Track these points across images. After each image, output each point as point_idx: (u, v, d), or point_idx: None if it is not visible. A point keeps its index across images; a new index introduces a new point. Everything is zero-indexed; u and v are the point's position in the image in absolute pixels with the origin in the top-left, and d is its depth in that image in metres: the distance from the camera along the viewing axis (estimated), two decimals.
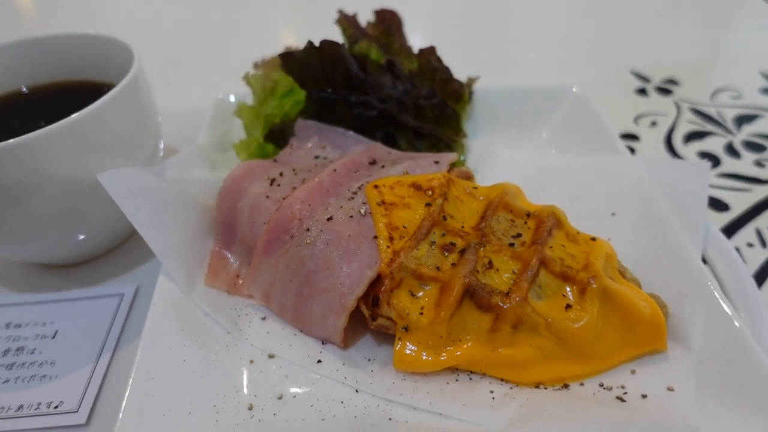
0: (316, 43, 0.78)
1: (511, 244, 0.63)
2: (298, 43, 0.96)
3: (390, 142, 0.81)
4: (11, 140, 0.58)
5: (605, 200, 0.76)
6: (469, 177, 0.74)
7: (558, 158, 0.86)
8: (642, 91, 1.14)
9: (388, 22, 0.96)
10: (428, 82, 0.86)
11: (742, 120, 1.03)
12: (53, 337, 0.68)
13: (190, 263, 0.66)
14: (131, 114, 0.68)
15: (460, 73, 0.91)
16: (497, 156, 0.87)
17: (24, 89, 0.79)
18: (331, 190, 0.67)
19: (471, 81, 0.94)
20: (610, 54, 1.30)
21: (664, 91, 1.13)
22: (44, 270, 0.77)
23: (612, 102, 1.09)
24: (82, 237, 0.71)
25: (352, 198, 0.65)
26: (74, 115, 0.61)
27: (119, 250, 0.79)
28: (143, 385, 0.54)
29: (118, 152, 0.67)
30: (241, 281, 0.68)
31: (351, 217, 0.63)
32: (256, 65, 0.93)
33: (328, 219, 0.63)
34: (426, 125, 0.84)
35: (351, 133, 0.80)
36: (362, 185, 0.67)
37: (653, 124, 1.04)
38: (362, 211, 0.63)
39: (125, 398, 0.52)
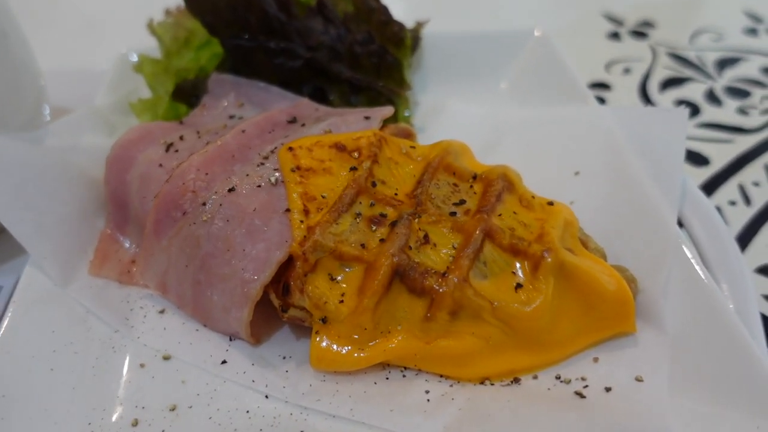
0: None
1: (453, 213, 0.52)
2: None
3: (320, 96, 0.69)
4: None
5: (568, 158, 0.65)
6: (408, 135, 0.63)
7: (518, 112, 0.76)
8: (614, 35, 1.02)
9: None
10: (365, 25, 0.74)
11: (724, 63, 0.93)
12: None
13: (69, 249, 0.55)
14: None
15: (407, 19, 0.79)
16: (448, 110, 0.76)
17: None
18: (237, 154, 0.55)
19: (419, 26, 0.82)
20: None
21: (639, 34, 1.02)
22: None
23: (581, 48, 0.98)
24: None
25: (262, 164, 0.54)
26: None
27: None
28: None
29: None
30: (135, 268, 0.57)
31: (259, 186, 0.52)
32: (167, 12, 0.80)
33: (230, 190, 0.51)
34: (364, 77, 0.72)
35: (274, 88, 0.68)
36: (275, 148, 0.56)
37: (626, 71, 0.93)
38: (273, 180, 0.52)
39: None
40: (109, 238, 0.58)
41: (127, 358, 0.50)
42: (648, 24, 1.04)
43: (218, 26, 0.67)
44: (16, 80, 0.60)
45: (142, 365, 0.50)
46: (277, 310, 0.49)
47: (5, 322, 0.48)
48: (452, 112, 0.76)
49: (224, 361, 0.50)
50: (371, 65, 0.72)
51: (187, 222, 0.51)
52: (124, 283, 0.56)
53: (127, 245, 0.58)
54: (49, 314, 0.50)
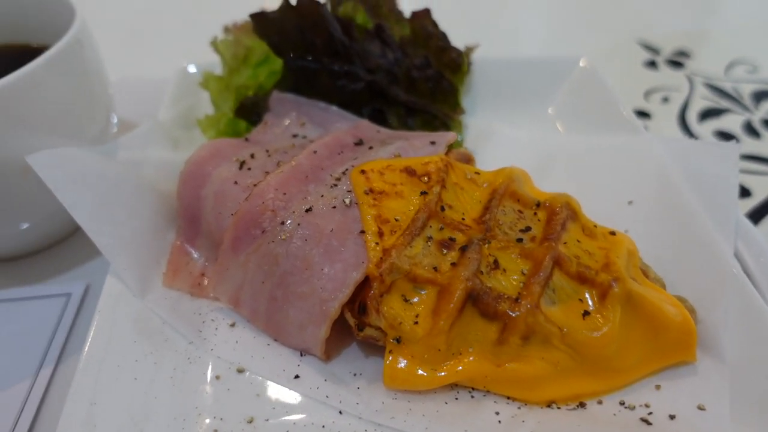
0: (293, 2, 0.68)
1: (520, 240, 0.54)
2: (274, 4, 0.85)
3: (378, 118, 0.71)
4: None
5: (621, 186, 0.67)
6: (469, 160, 0.65)
7: (565, 137, 0.78)
8: (651, 64, 1.05)
9: None
10: (422, 50, 0.76)
11: (760, 96, 0.95)
12: None
13: (145, 261, 0.57)
14: (72, 82, 0.57)
15: (455, 41, 0.81)
16: (498, 134, 0.78)
17: None
18: (310, 175, 0.57)
19: (469, 50, 0.84)
20: (615, 22, 1.21)
21: (675, 63, 1.04)
22: None
23: (619, 75, 1.01)
24: (24, 226, 0.61)
25: (335, 185, 0.56)
26: None
27: (67, 241, 0.69)
28: (82, 411, 0.45)
29: (56, 128, 0.57)
30: (206, 281, 0.58)
31: (334, 207, 0.54)
32: (226, 29, 0.82)
33: (307, 210, 0.53)
34: (419, 100, 0.74)
35: (334, 108, 0.70)
36: (347, 170, 0.58)
37: (665, 100, 0.95)
38: (347, 201, 0.54)
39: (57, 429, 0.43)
40: (180, 251, 0.60)
41: (203, 369, 0.52)
42: (683, 53, 1.07)
43: (284, 47, 0.69)
44: (91, 91, 0.62)
45: (217, 377, 0.51)
46: (353, 328, 0.51)
47: (91, 333, 0.49)
48: (501, 136, 0.78)
49: (297, 376, 0.52)
50: (427, 89, 0.74)
51: (266, 240, 0.53)
52: (195, 295, 0.58)
53: (197, 258, 0.60)
54: (130, 325, 0.52)
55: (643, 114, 0.92)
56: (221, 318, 0.56)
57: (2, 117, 0.52)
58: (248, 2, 1.24)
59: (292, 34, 0.68)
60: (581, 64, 0.84)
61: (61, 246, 0.68)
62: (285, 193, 0.54)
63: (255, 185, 0.57)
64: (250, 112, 0.71)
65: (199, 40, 0.83)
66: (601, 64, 0.85)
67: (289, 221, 0.53)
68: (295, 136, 0.67)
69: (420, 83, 0.74)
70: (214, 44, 0.76)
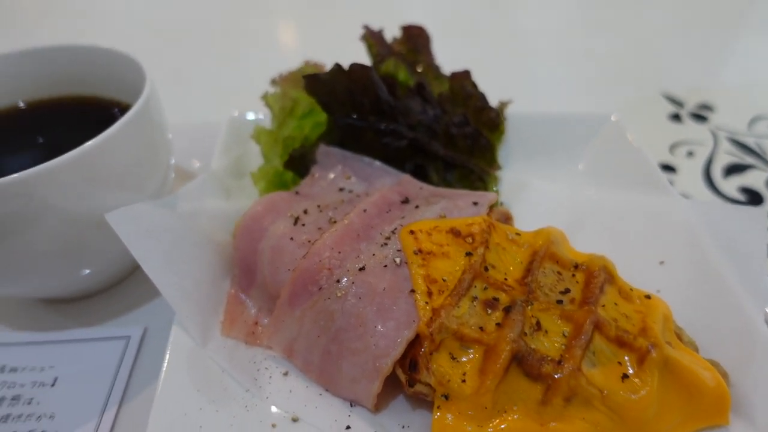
0: (339, 61, 0.72)
1: (560, 302, 0.57)
2: (317, 55, 0.90)
3: (420, 173, 0.75)
4: (14, 175, 0.52)
5: (652, 246, 0.70)
6: (508, 218, 0.69)
7: (596, 194, 0.81)
8: (676, 117, 1.08)
9: (416, 39, 0.89)
10: (460, 108, 0.80)
11: None
12: (52, 384, 0.62)
13: (205, 310, 0.61)
14: (143, 141, 0.62)
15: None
16: (530, 189, 0.82)
17: (21, 104, 0.73)
18: (361, 233, 0.61)
19: (503, 105, 0.88)
20: (639, 75, 1.25)
21: (699, 117, 1.08)
22: (41, 305, 0.71)
23: (645, 128, 1.04)
24: (86, 272, 0.65)
25: (386, 244, 0.60)
26: (81, 148, 0.55)
27: (123, 284, 0.73)
28: None
29: (125, 184, 0.61)
30: (260, 330, 0.62)
31: (385, 266, 0.57)
32: (273, 82, 0.87)
33: (360, 269, 0.57)
34: (457, 155, 0.78)
35: (378, 163, 0.74)
36: (395, 229, 0.61)
37: (690, 154, 0.98)
38: (397, 261, 0.58)
39: None
40: (235, 300, 0.64)
41: (260, 417, 0.55)
42: (707, 107, 1.10)
43: (334, 106, 0.73)
44: (157, 146, 0.66)
45: (273, 425, 0.54)
46: (404, 384, 0.54)
47: (161, 384, 0.53)
48: (534, 190, 0.82)
49: (348, 427, 0.55)
50: (465, 145, 0.78)
51: (322, 297, 0.56)
52: (250, 343, 0.61)
53: (251, 307, 0.64)
54: (194, 373, 0.55)
55: (668, 168, 0.95)
56: (274, 366, 0.60)
57: (84, 176, 0.56)
58: (286, 52, 1.30)
59: (342, 95, 0.73)
60: (612, 119, 0.87)
61: (116, 288, 0.72)
62: (340, 252, 0.58)
63: (309, 241, 0.61)
64: (298, 164, 0.75)
65: (240, 87, 0.87)
66: (627, 116, 0.88)
67: (344, 279, 0.56)
68: (341, 189, 0.71)
69: (459, 140, 0.78)
70: (265, 98, 0.81)
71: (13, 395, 0.61)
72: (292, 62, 0.87)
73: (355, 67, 0.71)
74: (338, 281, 0.56)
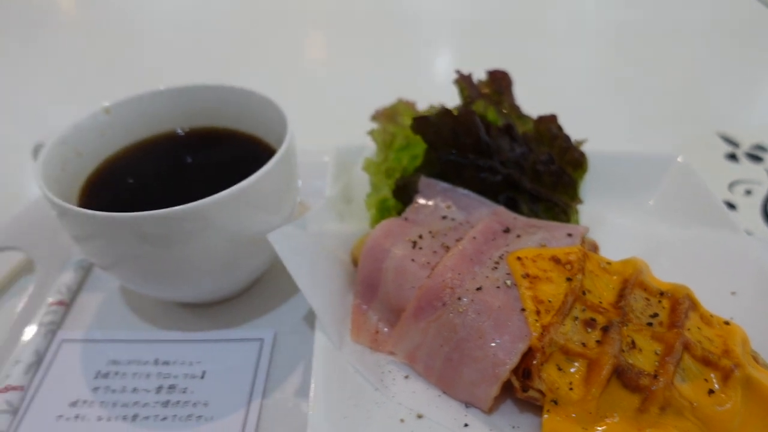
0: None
1: (650, 324, 0.66)
2: (404, 92, 1.00)
3: (511, 205, 0.85)
4: (196, 203, 0.63)
5: (723, 278, 0.78)
6: (595, 248, 0.78)
7: (667, 229, 0.89)
8: (732, 157, 1.16)
9: (500, 82, 1.00)
10: (545, 147, 0.89)
11: None
12: (202, 377, 0.72)
13: (338, 318, 0.70)
14: (286, 173, 0.72)
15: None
16: (606, 222, 0.90)
17: (179, 131, 0.85)
18: (474, 258, 0.70)
19: (578, 143, 0.97)
20: (694, 114, 1.33)
21: (754, 157, 1.16)
22: (180, 308, 0.82)
23: (704, 166, 1.12)
24: (233, 281, 0.76)
25: (496, 267, 0.69)
26: (247, 181, 0.65)
27: (248, 293, 0.83)
28: None
29: (272, 207, 0.72)
30: (381, 337, 0.72)
31: (498, 287, 0.67)
32: (374, 117, 0.98)
33: (478, 289, 0.66)
34: (543, 189, 0.87)
35: (474, 194, 0.84)
36: (502, 254, 0.71)
37: (748, 192, 1.06)
38: (508, 283, 0.67)
39: None
40: (359, 310, 0.74)
41: (389, 413, 0.64)
42: (761, 148, 1.18)
43: (438, 144, 0.84)
44: (292, 173, 0.77)
45: (402, 420, 0.64)
46: (517, 389, 0.63)
47: (313, 381, 0.62)
48: (609, 224, 0.90)
49: (466, 425, 0.64)
50: (550, 181, 0.87)
51: (446, 311, 0.66)
52: (374, 349, 0.71)
53: (371, 317, 0.73)
54: (335, 373, 0.65)
55: (729, 205, 1.03)
56: (396, 370, 0.69)
57: (246, 203, 0.66)
58: (370, 85, 1.41)
59: (447, 134, 0.83)
60: (678, 159, 0.96)
61: (243, 296, 0.83)
62: (459, 273, 0.68)
63: (428, 263, 0.70)
64: (402, 192, 0.85)
65: (339, 118, 0.98)
66: (686, 154, 0.96)
67: (464, 297, 0.66)
68: (444, 217, 0.81)
69: (545, 176, 0.87)
70: (373, 134, 0.92)
71: (169, 384, 0.71)
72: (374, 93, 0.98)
73: (463, 112, 0.81)
74: (459, 299, 0.66)
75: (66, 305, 0.82)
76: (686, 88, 1.47)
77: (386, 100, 0.95)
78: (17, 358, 0.73)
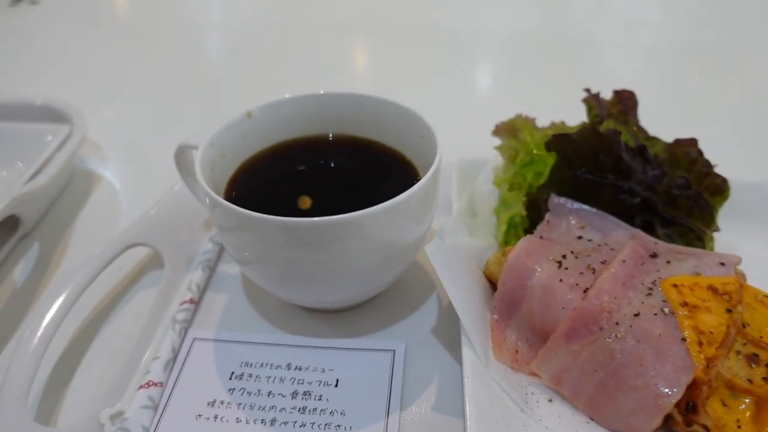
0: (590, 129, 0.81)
1: None
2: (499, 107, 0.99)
3: (647, 228, 0.82)
4: (351, 214, 0.63)
5: None
6: (744, 279, 0.74)
7: None
8: None
9: (626, 102, 0.97)
10: (680, 171, 0.87)
11: None
12: (336, 385, 0.72)
13: (482, 335, 0.69)
14: (433, 186, 0.72)
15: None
16: (743, 251, 0.86)
17: (330, 136, 0.86)
18: (626, 282, 0.68)
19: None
20: None
21: None
22: (305, 313, 0.82)
23: None
24: (367, 291, 0.75)
25: (650, 294, 0.67)
26: (405, 194, 0.65)
27: (375, 299, 0.83)
28: None
29: (418, 218, 0.71)
30: (520, 356, 0.70)
31: (655, 314, 0.64)
32: (496, 132, 0.97)
33: (635, 315, 0.64)
34: (677, 214, 0.84)
35: (608, 215, 0.82)
36: (654, 281, 0.68)
37: None
38: (665, 310, 0.64)
39: None
40: (498, 327, 0.72)
41: None
42: None
43: (575, 162, 0.82)
44: (437, 186, 0.76)
45: None
46: (678, 423, 0.60)
47: (468, 399, 0.61)
48: (748, 254, 0.86)
49: None
50: (686, 206, 0.84)
51: (602, 336, 0.64)
52: (514, 369, 0.69)
53: (510, 334, 0.72)
54: (484, 391, 0.64)
55: None
56: (539, 392, 0.67)
57: (397, 215, 0.66)
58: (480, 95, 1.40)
59: (586, 153, 0.81)
60: None
61: (371, 302, 0.82)
62: (615, 297, 0.66)
63: (577, 284, 0.69)
64: (534, 210, 0.84)
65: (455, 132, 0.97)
66: None
67: (622, 323, 0.63)
68: (579, 237, 0.79)
69: (680, 200, 0.84)
70: (500, 148, 0.91)
71: (304, 390, 0.71)
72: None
73: (609, 131, 0.79)
74: (617, 323, 0.64)
75: (195, 303, 0.83)
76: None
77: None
78: (155, 354, 0.75)
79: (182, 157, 0.84)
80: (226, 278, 0.88)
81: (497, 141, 0.97)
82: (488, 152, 0.96)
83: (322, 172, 0.84)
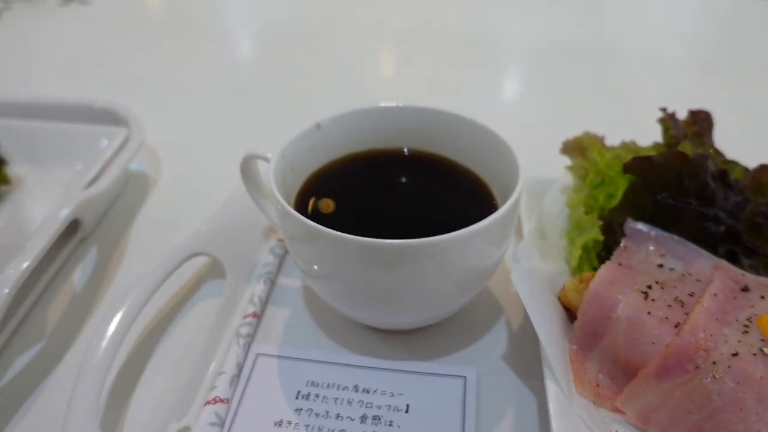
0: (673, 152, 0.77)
1: None
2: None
3: (730, 258, 0.78)
4: (433, 238, 0.60)
5: None
6: None
7: None
8: None
9: (701, 123, 0.94)
10: (765, 198, 0.82)
11: None
12: (406, 411, 0.69)
13: (563, 366, 0.66)
14: (514, 210, 0.69)
15: None
16: None
17: (406, 151, 0.84)
18: (720, 318, 0.65)
19: None
20: None
21: None
22: (370, 332, 0.79)
23: None
24: (437, 314, 0.73)
25: (746, 332, 0.63)
26: (490, 219, 0.63)
27: (442, 321, 0.80)
28: None
29: (498, 241, 0.69)
30: (601, 391, 0.67)
31: (754, 355, 0.61)
32: (564, 150, 0.94)
33: (733, 354, 0.61)
34: (760, 244, 0.80)
35: (689, 243, 0.78)
36: (750, 318, 0.65)
37: None
38: (765, 350, 0.61)
39: None
40: (577, 358, 0.69)
41: None
42: None
43: (657, 186, 0.78)
44: (516, 209, 0.73)
45: None
46: None
47: (555, 430, 0.58)
48: None
49: None
50: None
51: (698, 375, 0.60)
52: (596, 404, 0.66)
53: (591, 367, 0.69)
54: (567, 427, 0.61)
55: None
56: (623, 430, 0.64)
57: (482, 239, 0.64)
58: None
59: (668, 177, 0.77)
60: None
61: (435, 326, 0.80)
62: (711, 335, 0.62)
63: (667, 318, 0.65)
64: (610, 234, 0.80)
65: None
66: None
67: (720, 362, 0.60)
68: (660, 266, 0.75)
69: (765, 230, 0.80)
70: (572, 168, 0.88)
71: (373, 415, 0.69)
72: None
73: (697, 155, 0.76)
74: (714, 363, 0.60)
75: (258, 317, 0.81)
76: None
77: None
78: (220, 368, 0.73)
79: (248, 168, 0.83)
80: (286, 292, 0.87)
81: (543, 155, 0.93)
82: (536, 168, 0.90)
83: (393, 187, 0.82)
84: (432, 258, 0.62)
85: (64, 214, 0.83)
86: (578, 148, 0.95)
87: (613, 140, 0.94)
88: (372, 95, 1.49)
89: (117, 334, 0.71)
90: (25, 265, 0.73)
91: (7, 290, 0.69)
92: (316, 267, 0.69)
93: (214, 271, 0.90)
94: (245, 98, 1.46)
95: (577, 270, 0.81)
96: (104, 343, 0.69)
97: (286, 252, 0.92)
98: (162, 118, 1.34)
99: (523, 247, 0.77)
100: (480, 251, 0.65)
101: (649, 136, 0.95)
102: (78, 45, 1.74)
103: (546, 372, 0.64)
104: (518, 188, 0.67)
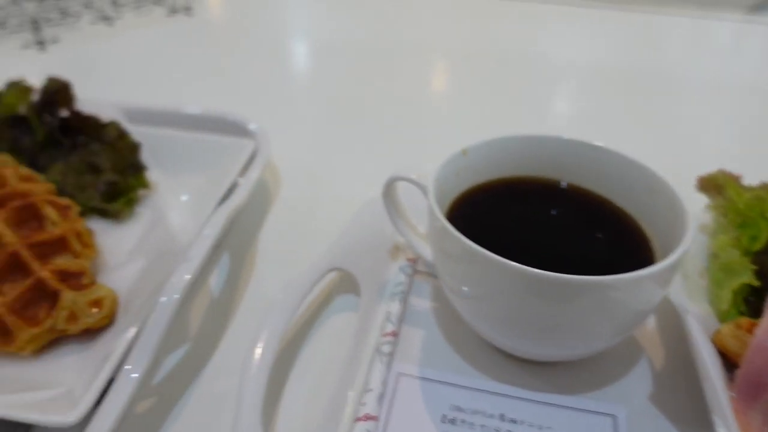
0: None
1: None
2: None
3: None
4: (600, 277, 0.60)
5: None
6: None
7: None
8: None
9: None
10: None
11: None
12: None
13: (726, 415, 0.64)
14: (684, 256, 0.68)
15: None
16: None
17: (563, 184, 0.84)
18: None
19: None
20: None
21: None
22: (510, 360, 0.79)
23: None
24: (592, 350, 0.73)
25: None
26: (664, 263, 0.63)
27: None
28: None
29: (666, 285, 0.68)
30: None
31: None
32: (702, 188, 0.92)
33: None
34: None
35: None
36: None
37: None
38: None
39: None
40: (740, 408, 0.67)
41: None
42: None
43: None
44: None
45: None
46: None
47: None
48: None
49: None
50: None
51: None
52: None
53: (755, 418, 0.66)
54: None
55: None
56: None
57: (653, 282, 0.63)
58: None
59: None
60: None
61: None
62: None
63: None
64: (764, 278, 0.78)
65: None
66: None
67: None
68: None
69: None
70: (714, 208, 0.86)
71: None
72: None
73: None
74: None
75: (396, 336, 0.82)
76: None
77: None
78: (366, 385, 0.75)
79: (390, 190, 0.85)
80: (417, 313, 0.88)
81: None
82: None
83: (537, 217, 0.82)
84: (596, 296, 0.62)
85: (220, 225, 0.87)
86: (714, 186, 0.93)
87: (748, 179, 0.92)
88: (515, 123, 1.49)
89: (269, 344, 0.73)
90: (188, 277, 0.77)
91: (177, 296, 0.73)
92: (464, 287, 0.70)
93: (345, 285, 0.92)
94: (359, 112, 1.48)
95: (725, 315, 0.79)
96: (259, 352, 0.72)
97: (416, 272, 0.93)
98: (276, 128, 1.38)
99: (679, 288, 0.75)
100: (648, 294, 0.65)
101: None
102: (183, 54, 1.82)
103: (716, 421, 0.62)
104: (689, 231, 0.66)
